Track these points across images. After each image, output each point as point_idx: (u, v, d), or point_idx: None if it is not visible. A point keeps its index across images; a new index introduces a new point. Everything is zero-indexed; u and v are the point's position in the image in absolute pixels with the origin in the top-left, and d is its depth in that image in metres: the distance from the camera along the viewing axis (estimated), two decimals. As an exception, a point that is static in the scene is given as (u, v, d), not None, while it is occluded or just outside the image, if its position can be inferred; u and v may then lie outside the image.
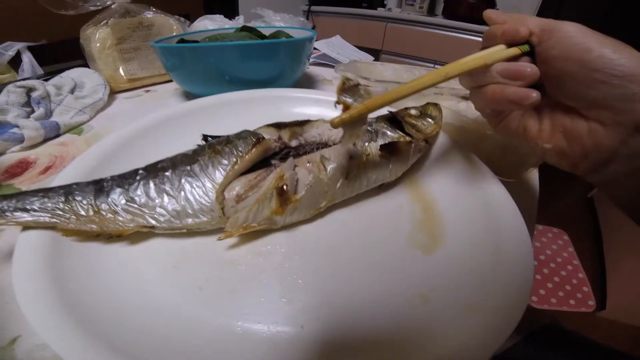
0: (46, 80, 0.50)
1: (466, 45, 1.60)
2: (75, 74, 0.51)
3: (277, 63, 0.40)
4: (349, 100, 0.21)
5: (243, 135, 0.23)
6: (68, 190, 0.20)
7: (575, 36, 0.19)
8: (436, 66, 1.76)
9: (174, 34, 0.55)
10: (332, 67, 0.61)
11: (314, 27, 0.89)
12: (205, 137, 0.25)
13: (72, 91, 0.47)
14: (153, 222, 0.20)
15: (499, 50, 0.21)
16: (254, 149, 0.21)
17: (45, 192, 0.20)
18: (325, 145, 0.25)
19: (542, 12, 1.73)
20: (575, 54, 0.19)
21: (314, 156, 0.23)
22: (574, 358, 0.39)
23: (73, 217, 0.19)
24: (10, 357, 0.16)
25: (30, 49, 0.64)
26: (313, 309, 0.18)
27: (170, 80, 0.53)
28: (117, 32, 0.50)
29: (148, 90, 0.52)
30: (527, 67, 0.21)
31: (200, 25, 0.68)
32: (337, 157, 0.23)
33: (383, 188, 0.26)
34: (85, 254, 0.20)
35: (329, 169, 0.22)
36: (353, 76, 0.47)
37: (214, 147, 0.22)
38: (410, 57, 1.76)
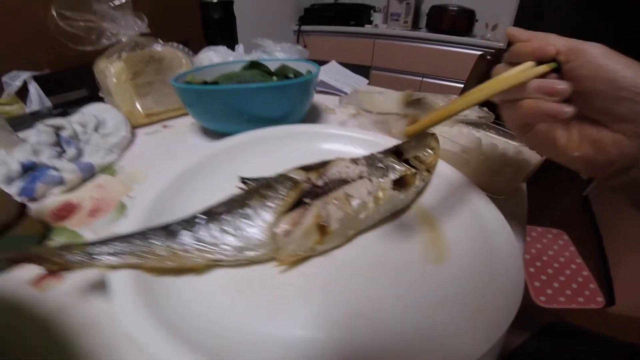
0: (59, 113, 0.54)
1: (451, 57, 1.70)
2: (96, 110, 0.55)
3: (290, 101, 0.46)
4: (414, 112, 0.25)
5: (281, 180, 0.28)
6: (143, 235, 0.25)
7: (600, 57, 0.22)
8: (424, 79, 1.86)
9: (184, 68, 0.60)
10: (332, 94, 0.67)
11: (305, 47, 0.96)
12: (243, 180, 0.31)
13: (96, 129, 0.52)
14: (221, 256, 0.25)
15: (531, 68, 0.24)
16: (292, 192, 0.27)
17: (124, 237, 0.25)
18: (344, 181, 0.31)
19: (519, 18, 1.84)
20: (603, 74, 0.22)
21: (339, 194, 0.28)
22: (579, 350, 0.42)
23: (153, 257, 0.24)
24: None
25: (34, 78, 0.67)
26: (354, 318, 0.23)
27: (186, 114, 0.58)
28: (131, 67, 0.55)
29: (165, 126, 0.56)
30: (560, 84, 0.23)
31: (205, 57, 0.73)
32: (359, 193, 0.28)
33: (396, 214, 0.32)
34: (165, 286, 0.24)
35: (353, 204, 0.28)
36: (356, 109, 0.53)
37: (259, 192, 0.27)
38: (399, 72, 1.85)
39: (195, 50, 0.74)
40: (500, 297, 0.23)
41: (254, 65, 0.57)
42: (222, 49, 0.76)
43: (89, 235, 0.33)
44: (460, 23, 1.78)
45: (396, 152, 0.35)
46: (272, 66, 0.57)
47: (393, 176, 0.31)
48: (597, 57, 0.22)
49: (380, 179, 0.30)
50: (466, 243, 0.29)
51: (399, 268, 0.27)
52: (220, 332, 0.22)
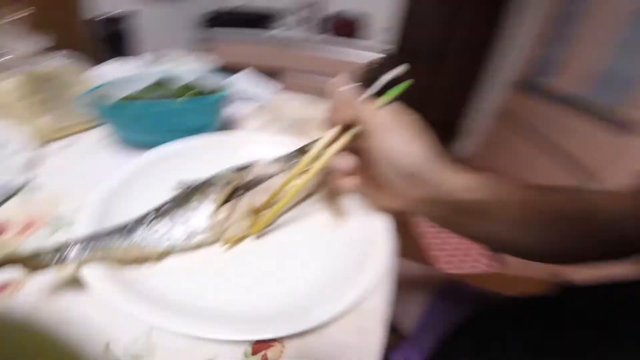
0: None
1: (349, 59, 1.93)
2: (-5, 131, 0.53)
3: (206, 115, 0.55)
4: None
5: (217, 179, 0.38)
6: (107, 233, 0.32)
7: (378, 138, 0.30)
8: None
9: (80, 83, 0.61)
10: (249, 100, 0.76)
11: (212, 55, 1.02)
12: (182, 183, 0.39)
13: (-3, 150, 0.51)
14: (173, 245, 0.33)
15: (334, 139, 0.33)
16: (227, 188, 0.37)
17: (92, 237, 0.31)
18: (269, 177, 0.42)
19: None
20: (375, 156, 0.31)
21: (264, 186, 0.39)
22: (469, 306, 0.50)
23: (117, 250, 0.31)
24: (113, 356, 0.26)
25: None
26: (272, 276, 0.34)
27: (94, 127, 0.61)
28: (22, 87, 0.54)
29: (75, 139, 0.58)
30: (343, 164, 0.33)
31: (104, 72, 0.74)
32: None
33: (308, 197, 0.44)
34: (130, 274, 0.32)
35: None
36: (271, 115, 0.64)
37: (200, 189, 0.37)
38: (312, 74, 2.02)
39: (93, 64, 0.74)
40: (378, 251, 0.35)
41: (160, 83, 0.62)
42: (124, 62, 0.78)
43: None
44: (355, 27, 2.04)
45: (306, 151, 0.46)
46: (182, 82, 0.62)
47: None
48: (379, 130, 0.30)
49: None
50: (357, 213, 0.41)
51: (309, 235, 0.39)
52: (179, 301, 0.30)
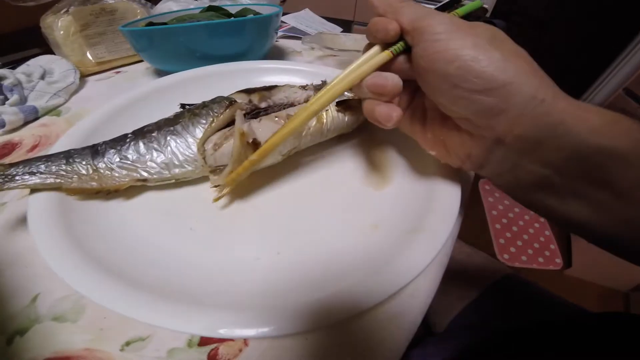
0: (12, 69, 0.52)
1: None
2: (43, 61, 0.53)
3: (244, 39, 0.44)
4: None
5: (217, 100, 0.28)
6: (68, 154, 0.25)
7: (440, 40, 0.18)
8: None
9: (139, 17, 0.58)
10: (304, 37, 0.65)
11: (283, 1, 0.92)
12: (182, 105, 0.30)
13: (42, 77, 0.50)
14: (145, 174, 0.24)
15: (371, 58, 0.22)
16: (227, 110, 0.26)
17: (48, 157, 0.25)
18: (291, 105, 0.30)
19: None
20: (438, 66, 0.19)
21: (281, 113, 0.28)
22: (524, 306, 0.42)
23: (75, 176, 0.24)
24: (34, 313, 0.19)
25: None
26: (286, 239, 0.23)
27: (141, 60, 0.57)
28: (80, 20, 0.53)
29: (119, 72, 0.55)
30: (388, 81, 0.21)
31: (164, 8, 0.70)
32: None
33: (343, 138, 0.32)
34: (90, 211, 0.24)
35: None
36: (321, 49, 0.52)
37: (192, 111, 0.27)
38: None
39: (155, 1, 0.71)
40: (436, 220, 0.23)
41: (212, 8, 0.54)
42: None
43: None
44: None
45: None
46: (234, 10, 0.54)
47: (339, 99, 0.30)
48: (437, 39, 0.19)
49: (326, 102, 0.30)
50: (409, 170, 0.29)
51: (339, 189, 0.27)
52: (144, 254, 0.22)
